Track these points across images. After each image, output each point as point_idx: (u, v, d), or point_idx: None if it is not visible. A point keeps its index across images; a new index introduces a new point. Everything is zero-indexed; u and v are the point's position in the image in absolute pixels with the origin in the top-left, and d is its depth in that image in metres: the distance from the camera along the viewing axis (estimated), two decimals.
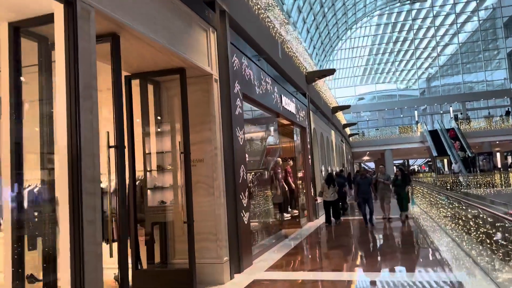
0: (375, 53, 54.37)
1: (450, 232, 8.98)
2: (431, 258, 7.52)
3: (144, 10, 4.70)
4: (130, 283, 5.70)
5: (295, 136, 13.08)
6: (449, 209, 9.44)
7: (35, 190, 4.07)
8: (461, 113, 43.64)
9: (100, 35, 4.43)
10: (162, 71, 5.98)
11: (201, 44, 6.25)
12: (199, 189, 6.25)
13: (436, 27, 50.52)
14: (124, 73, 5.98)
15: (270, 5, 10.10)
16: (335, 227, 12.05)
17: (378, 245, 9.30)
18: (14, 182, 3.86)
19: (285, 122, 12.14)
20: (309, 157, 14.07)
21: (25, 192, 4.11)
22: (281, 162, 11.18)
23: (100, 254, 3.51)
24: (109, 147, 4.29)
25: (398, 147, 39.71)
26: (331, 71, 16.15)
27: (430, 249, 8.29)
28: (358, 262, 7.64)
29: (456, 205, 8.47)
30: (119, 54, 4.50)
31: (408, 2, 49.42)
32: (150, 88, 6.35)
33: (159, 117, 6.42)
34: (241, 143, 7.40)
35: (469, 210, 7.21)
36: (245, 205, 7.19)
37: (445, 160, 34.38)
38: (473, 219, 6.87)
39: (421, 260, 7.56)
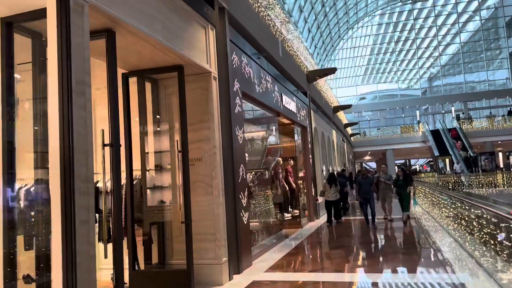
0: (376, 53, 54.25)
1: (453, 233, 8.87)
2: (433, 259, 7.41)
3: (141, 5, 4.60)
4: (128, 284, 5.63)
5: (296, 135, 12.99)
6: (451, 209, 9.33)
7: (30, 189, 3.99)
8: (463, 113, 43.50)
9: (95, 31, 4.35)
10: (160, 68, 5.89)
11: (199, 41, 6.15)
12: (197, 188, 6.15)
13: (437, 27, 50.39)
14: (121, 71, 5.90)
15: (271, 3, 10.00)
16: (336, 227, 11.95)
17: (379, 246, 9.20)
18: (6, 181, 3.78)
19: (286, 121, 12.05)
20: (310, 156, 13.96)
21: (20, 192, 4.04)
22: (281, 162, 11.09)
23: (93, 255, 3.42)
24: (104, 145, 4.19)
25: (399, 147, 39.62)
26: (332, 70, 16.07)
27: (432, 250, 8.19)
28: (359, 262, 7.54)
29: (459, 205, 8.36)
30: (114, 50, 4.40)
31: (410, 1, 49.30)
32: (148, 86, 6.25)
33: (157, 116, 6.33)
34: (241, 142, 7.31)
35: (472, 210, 7.10)
36: (244, 205, 7.09)
37: (447, 160, 34.24)
38: (476, 219, 6.77)
39: (423, 261, 7.46)
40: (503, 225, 5.37)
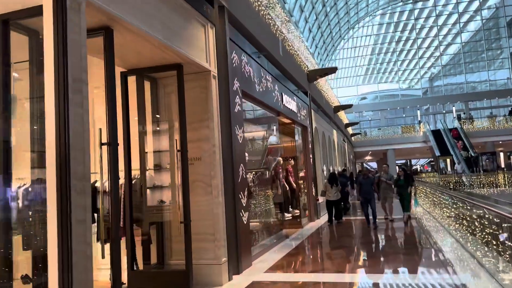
0: (377, 53, 54.18)
1: (454, 233, 8.81)
2: (434, 260, 7.35)
3: (139, 3, 4.56)
4: (126, 284, 5.59)
5: (296, 135, 12.94)
6: (452, 209, 9.27)
7: (27, 188, 3.94)
8: (464, 113, 43.43)
9: (93, 28, 4.31)
10: (159, 67, 5.84)
11: (199, 40, 6.10)
12: (196, 188, 6.10)
13: (438, 27, 50.29)
14: (120, 69, 5.86)
15: (271, 2, 9.94)
16: (337, 227, 11.90)
17: (380, 246, 9.14)
18: (1, 181, 3.73)
19: (286, 120, 12.00)
20: (311, 156, 13.91)
21: (17, 191, 4.00)
22: (282, 162, 11.05)
23: (90, 254, 3.37)
24: (101, 144, 4.14)
25: (400, 147, 39.55)
26: (333, 69, 16.01)
27: (433, 250, 8.13)
28: (360, 263, 7.48)
29: (460, 205, 8.31)
30: (112, 48, 4.36)
31: (411, 1, 49.22)
32: (147, 85, 6.21)
33: (156, 115, 6.29)
34: (241, 142, 7.26)
35: (474, 210, 7.05)
36: (244, 205, 7.04)
37: (448, 160, 34.18)
38: (478, 220, 6.71)
39: (424, 261, 7.40)
40: (506, 225, 5.32)
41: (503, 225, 5.42)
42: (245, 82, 7.81)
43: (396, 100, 50.75)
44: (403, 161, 57.09)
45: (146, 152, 6.12)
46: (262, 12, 9.14)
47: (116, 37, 4.46)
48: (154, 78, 6.28)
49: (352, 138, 39.44)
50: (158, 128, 6.27)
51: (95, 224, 5.05)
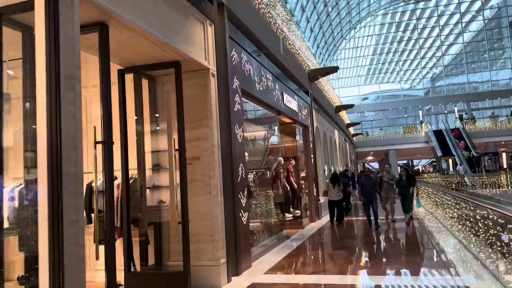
0: (379, 53, 54.04)
1: (457, 234, 8.69)
2: (437, 261, 7.24)
3: None
4: (123, 285, 5.48)
5: (297, 135, 12.83)
6: (455, 210, 9.15)
7: (21, 189, 3.86)
8: (466, 113, 43.25)
9: (88, 24, 4.21)
10: (157, 64, 5.73)
11: (197, 37, 6.00)
12: (195, 188, 6.00)
13: (440, 27, 50.11)
14: (117, 67, 5.76)
15: (272, 1, 9.84)
16: (338, 228, 11.79)
17: (382, 247, 9.02)
18: None
19: (287, 120, 11.90)
20: (312, 156, 13.80)
21: (13, 192, 3.91)
22: (283, 162, 10.95)
23: (82, 256, 3.26)
24: (96, 142, 4.04)
25: (402, 147, 39.44)
26: (334, 69, 15.90)
27: (435, 251, 8.01)
28: (362, 264, 7.37)
29: (463, 205, 8.19)
30: (107, 44, 4.26)
31: (413, 1, 49.07)
32: (145, 82, 6.11)
33: (154, 113, 6.19)
34: (240, 141, 7.15)
35: (478, 210, 6.93)
36: (244, 205, 6.94)
37: (450, 160, 34.03)
38: (481, 220, 6.59)
39: (426, 262, 7.28)
40: (511, 226, 5.20)
41: (508, 226, 5.30)
42: (245, 80, 7.71)
43: (398, 100, 50.60)
44: (405, 162, 56.92)
45: (144, 151, 6.02)
46: (262, 10, 9.04)
47: (112, 33, 4.36)
48: (152, 76, 6.19)
49: (354, 138, 39.32)
50: (155, 127, 6.16)
51: (92, 224, 4.96)
